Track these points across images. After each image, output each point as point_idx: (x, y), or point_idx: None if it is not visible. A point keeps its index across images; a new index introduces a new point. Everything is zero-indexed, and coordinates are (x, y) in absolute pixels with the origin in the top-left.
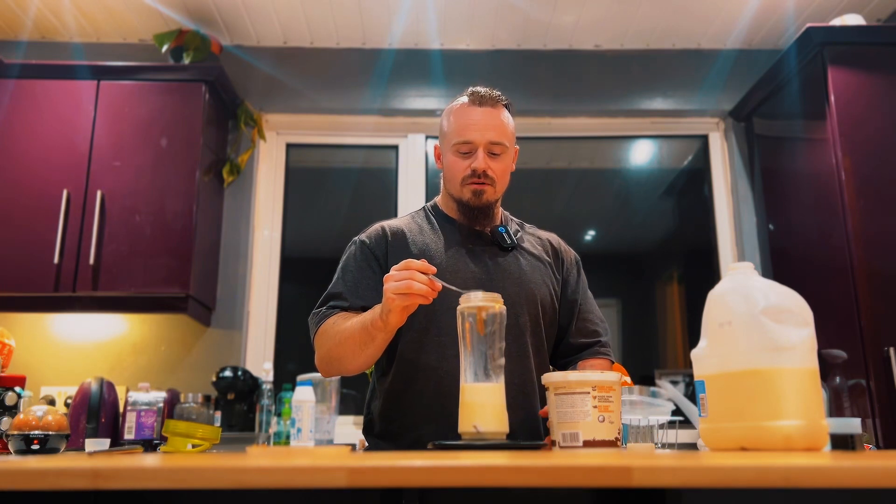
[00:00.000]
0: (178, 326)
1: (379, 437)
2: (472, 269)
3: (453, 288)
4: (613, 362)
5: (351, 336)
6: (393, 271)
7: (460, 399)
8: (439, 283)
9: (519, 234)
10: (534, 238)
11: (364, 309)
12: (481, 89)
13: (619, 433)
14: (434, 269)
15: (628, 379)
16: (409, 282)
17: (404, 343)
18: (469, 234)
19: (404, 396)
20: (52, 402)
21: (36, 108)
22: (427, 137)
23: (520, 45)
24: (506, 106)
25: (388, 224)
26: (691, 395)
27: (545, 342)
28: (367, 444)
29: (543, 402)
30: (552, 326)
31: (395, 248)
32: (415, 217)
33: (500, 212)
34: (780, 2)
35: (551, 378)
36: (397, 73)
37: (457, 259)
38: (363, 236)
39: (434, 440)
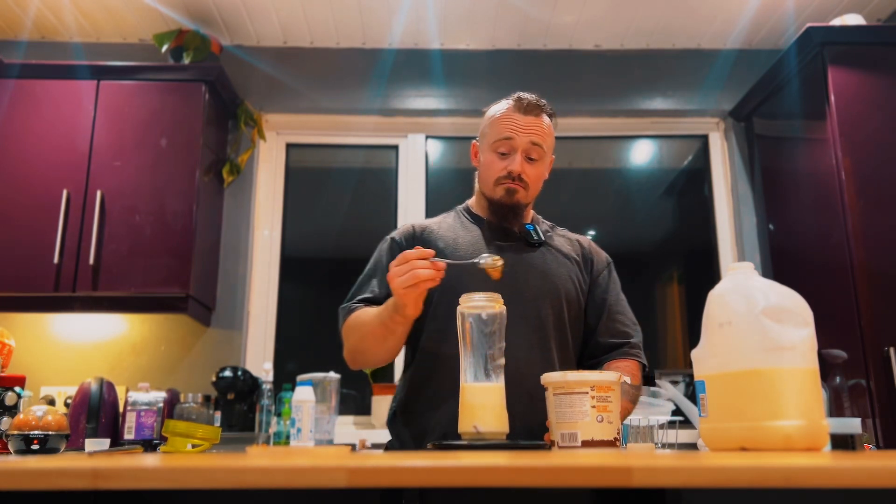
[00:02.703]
0: (178, 326)
1: (402, 424)
2: None
3: (458, 262)
4: (644, 365)
5: (371, 331)
6: (392, 267)
7: (460, 399)
8: (442, 262)
9: (549, 234)
10: (564, 239)
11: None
12: (526, 95)
13: (618, 433)
14: (432, 252)
15: (628, 379)
16: (413, 272)
17: (427, 334)
18: (497, 231)
19: (426, 385)
20: (52, 402)
21: (36, 108)
22: (427, 137)
23: (519, 45)
24: (549, 115)
25: (418, 223)
26: (691, 395)
27: (570, 339)
28: (389, 435)
29: None
30: (577, 322)
31: (422, 243)
32: (445, 216)
33: (532, 213)
34: (780, 2)
35: (550, 378)
36: (397, 73)
37: (482, 254)
38: (394, 234)
39: (450, 427)
